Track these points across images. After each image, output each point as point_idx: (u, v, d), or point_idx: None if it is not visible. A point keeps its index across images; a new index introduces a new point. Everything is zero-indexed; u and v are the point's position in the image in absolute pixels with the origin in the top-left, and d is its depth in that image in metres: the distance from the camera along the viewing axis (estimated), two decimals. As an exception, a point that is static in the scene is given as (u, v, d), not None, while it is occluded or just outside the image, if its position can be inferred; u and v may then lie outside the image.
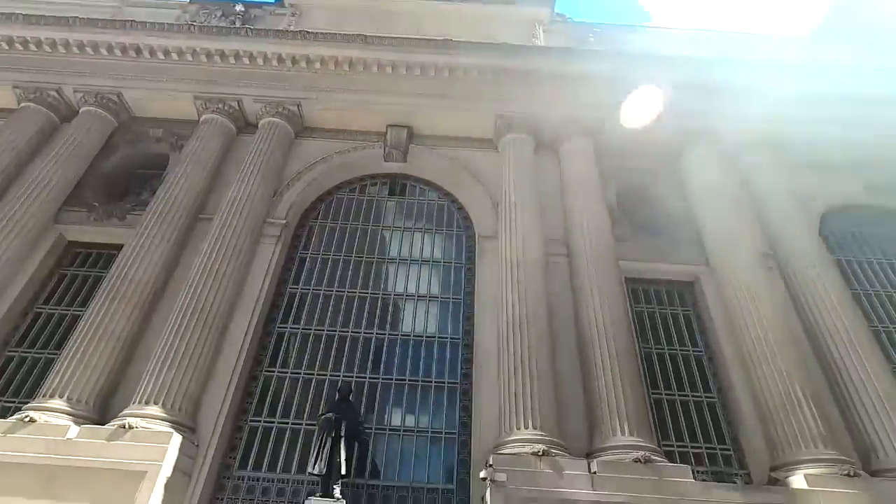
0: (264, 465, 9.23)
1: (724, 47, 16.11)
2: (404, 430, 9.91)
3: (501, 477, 7.66)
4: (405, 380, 10.52)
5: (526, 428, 8.56)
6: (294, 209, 12.73)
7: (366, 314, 11.46)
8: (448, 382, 10.55)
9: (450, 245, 12.89)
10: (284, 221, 12.17)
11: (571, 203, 12.44)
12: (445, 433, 9.88)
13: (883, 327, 11.95)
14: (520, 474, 7.83)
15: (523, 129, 13.75)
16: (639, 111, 13.87)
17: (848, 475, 8.28)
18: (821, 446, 8.72)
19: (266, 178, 12.60)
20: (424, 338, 11.21)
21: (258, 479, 9.01)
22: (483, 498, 7.88)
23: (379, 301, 11.72)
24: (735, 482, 9.08)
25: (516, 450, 8.22)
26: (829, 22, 24.28)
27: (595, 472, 8.05)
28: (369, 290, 11.84)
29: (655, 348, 11.35)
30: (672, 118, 13.83)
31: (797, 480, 8.39)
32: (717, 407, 10.50)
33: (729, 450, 9.97)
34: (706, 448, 10.01)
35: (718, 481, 8.82)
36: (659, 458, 8.42)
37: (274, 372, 10.43)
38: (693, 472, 8.42)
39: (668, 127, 13.88)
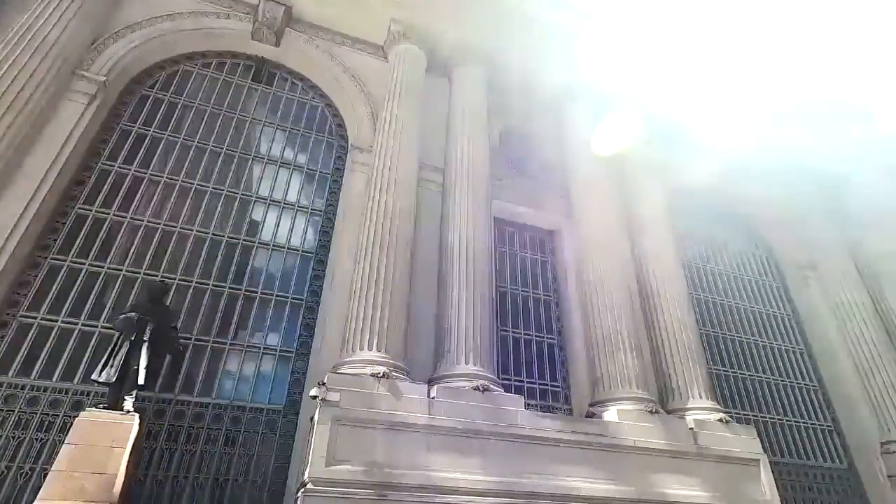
0: (35, 371, 7.35)
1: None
2: (231, 345, 8.68)
3: (334, 396, 7.02)
4: (240, 290, 9.17)
5: (370, 350, 7.98)
6: (119, 70, 10.03)
7: (202, 211, 9.67)
8: (293, 297, 9.47)
9: (317, 151, 11.44)
10: (104, 79, 9.51)
11: (455, 132, 11.78)
12: (281, 351, 8.90)
13: (697, 294, 13.77)
14: (355, 395, 7.26)
15: (418, 42, 12.55)
16: (534, 52, 13.59)
17: (650, 412, 9.32)
18: (634, 387, 9.67)
19: (87, 15, 9.66)
20: (272, 247, 9.87)
21: (22, 388, 7.14)
22: (312, 418, 7.19)
23: (222, 198, 9.97)
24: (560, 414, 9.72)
25: (356, 370, 7.62)
26: None
27: (433, 398, 7.84)
28: (210, 184, 9.98)
29: (511, 288, 11.56)
30: (562, 67, 13.81)
31: (610, 414, 9.21)
32: (555, 347, 11.12)
33: (559, 387, 10.67)
34: (539, 384, 10.58)
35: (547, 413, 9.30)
36: (496, 388, 8.53)
37: (65, 261, 8.28)
38: (525, 404, 8.69)
39: (558, 75, 13.85)
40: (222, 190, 10.06)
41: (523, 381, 10.40)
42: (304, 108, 11.89)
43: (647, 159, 14.07)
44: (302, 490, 6.47)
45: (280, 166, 10.88)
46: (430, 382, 8.35)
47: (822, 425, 13.51)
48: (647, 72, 15.06)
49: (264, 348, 8.80)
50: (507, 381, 10.06)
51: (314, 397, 6.97)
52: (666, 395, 10.52)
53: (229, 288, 9.11)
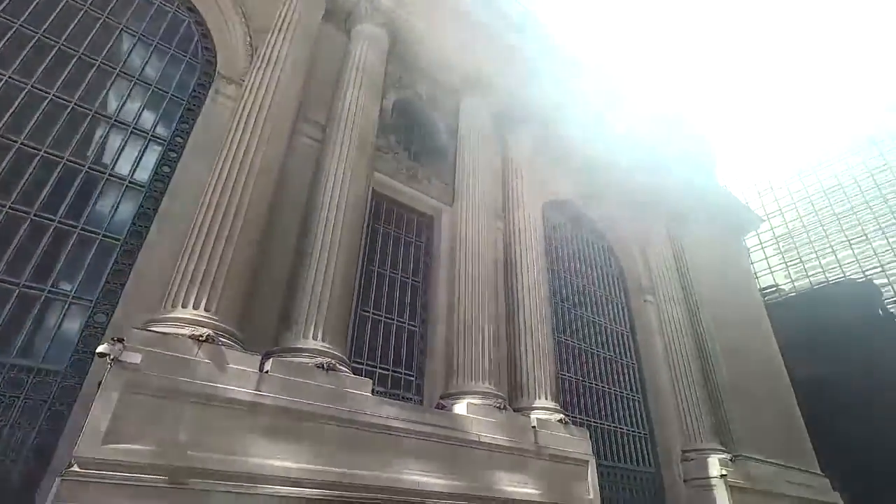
0: None
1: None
2: (22, 287, 6.60)
3: (133, 358, 5.56)
4: (29, 213, 7.07)
5: (196, 308, 6.60)
6: None
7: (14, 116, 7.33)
8: (106, 236, 7.58)
9: (173, 70, 9.49)
10: None
11: (345, 89, 10.71)
12: (73, 299, 7.00)
13: (555, 301, 14.36)
14: (164, 359, 5.87)
15: (320, -18, 11.25)
16: (445, 36, 13.14)
17: (499, 408, 9.22)
18: (487, 382, 9.53)
19: None
20: (86, 168, 7.83)
21: None
22: (101, 383, 5.63)
23: (44, 105, 7.68)
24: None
25: (171, 329, 6.20)
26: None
27: (267, 371, 6.72)
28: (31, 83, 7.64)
29: (380, 269, 10.78)
30: (470, 58, 13.58)
31: (460, 408, 8.90)
32: (416, 335, 10.59)
33: (413, 376, 10.14)
34: (394, 371, 9.94)
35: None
36: (344, 369, 7.68)
37: None
38: (374, 389, 7.96)
39: (464, 65, 13.58)
40: (47, 95, 7.77)
41: (376, 367, 9.67)
42: (165, 17, 9.83)
43: (532, 167, 14.39)
44: (62, 475, 4.94)
45: (120, 76, 8.78)
46: (268, 355, 7.20)
47: (640, 433, 14.94)
48: (548, 82, 15.51)
49: (50, 292, 6.84)
50: (359, 365, 9.28)
51: (103, 356, 5.43)
52: (515, 393, 10.60)
53: (33, 216, 6.98)
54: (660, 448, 14.78)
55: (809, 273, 42.62)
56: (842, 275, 40.70)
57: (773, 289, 42.69)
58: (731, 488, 13.33)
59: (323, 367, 7.15)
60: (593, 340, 15.39)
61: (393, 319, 10.41)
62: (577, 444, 10.14)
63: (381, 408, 7.64)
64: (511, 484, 8.68)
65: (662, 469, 14.50)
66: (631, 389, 15.61)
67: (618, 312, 16.86)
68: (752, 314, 22.83)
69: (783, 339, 24.57)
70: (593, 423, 13.69)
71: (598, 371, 14.92)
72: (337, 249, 8.36)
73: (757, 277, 36.19)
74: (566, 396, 13.29)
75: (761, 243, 44.58)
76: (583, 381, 14.21)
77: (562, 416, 10.33)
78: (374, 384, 9.10)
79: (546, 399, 10.53)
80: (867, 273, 39.72)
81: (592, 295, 16.24)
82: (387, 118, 12.11)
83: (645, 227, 18.35)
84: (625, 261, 17.87)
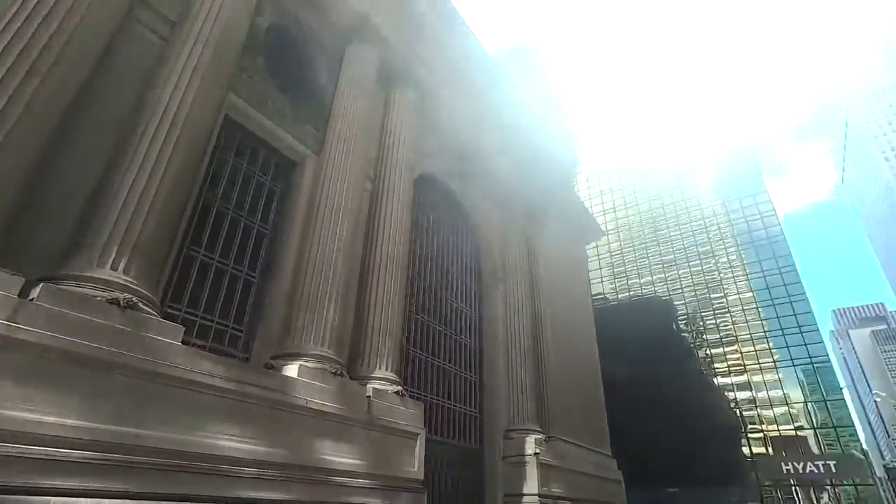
0: None
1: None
2: None
3: None
4: None
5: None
6: None
7: None
8: None
9: None
10: None
11: (210, -13, 8.94)
12: None
13: (414, 276, 14.14)
14: None
15: None
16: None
17: (334, 373, 8.57)
18: (326, 345, 8.82)
19: None
20: None
21: None
22: None
23: None
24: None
25: None
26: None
27: (33, 299, 5.16)
28: None
29: (223, 206, 9.32)
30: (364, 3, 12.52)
31: (291, 370, 8.06)
32: (254, 287, 9.40)
33: (242, 331, 8.98)
34: (220, 323, 8.68)
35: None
36: (150, 311, 6.33)
37: None
38: (192, 342, 6.75)
39: (356, 8, 12.46)
40: None
41: (198, 316, 8.32)
42: None
43: (409, 134, 13.85)
44: None
45: None
46: (43, 280, 5.57)
47: (472, 412, 15.57)
48: (439, 50, 15.11)
49: None
50: (175, 311, 7.88)
51: None
52: (356, 361, 10.06)
53: None
54: (486, 427, 15.58)
55: (630, 287, 49.79)
56: (652, 292, 48.29)
57: (601, 296, 48.84)
58: (542, 465, 14.59)
59: (118, 303, 5.75)
60: (443, 320, 15.57)
61: (228, 266, 9.07)
62: (411, 417, 9.98)
63: (193, 361, 6.46)
64: (336, 454, 8.13)
65: (486, 446, 15.30)
66: (470, 370, 16.18)
67: (470, 296, 17.35)
68: (583, 315, 25.55)
69: (602, 341, 28.05)
70: (431, 399, 13.83)
71: (443, 349, 15.13)
72: (165, 165, 6.85)
73: (591, 284, 40.74)
74: (409, 370, 13.17)
75: (598, 255, 50.77)
76: (427, 357, 14.26)
77: (399, 388, 10.07)
78: (192, 335, 7.91)
79: (386, 370, 10.19)
80: (671, 293, 47.74)
81: (449, 276, 16.42)
82: (259, 38, 10.52)
83: (506, 218, 19.15)
84: (484, 248, 18.43)
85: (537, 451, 14.57)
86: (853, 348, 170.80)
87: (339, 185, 10.42)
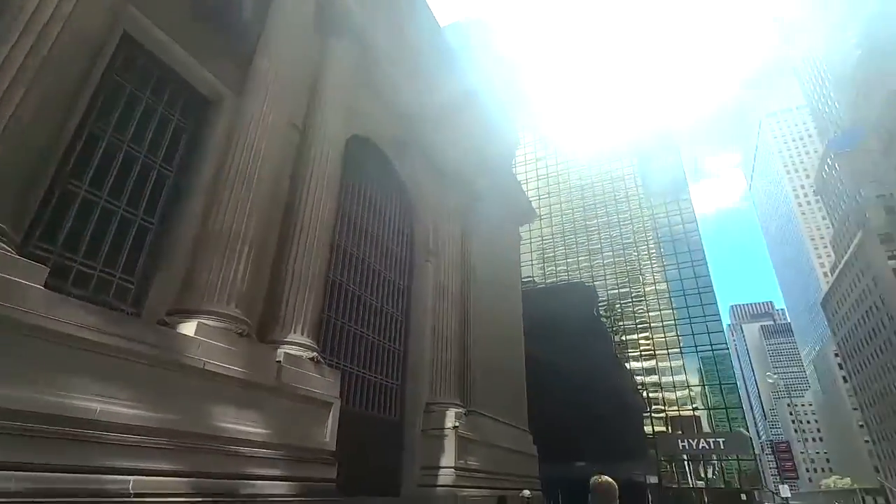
0: None
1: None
2: None
3: None
4: None
5: None
6: None
7: None
8: None
9: None
10: None
11: None
12: None
13: (343, 244, 13.34)
14: None
15: None
16: None
17: (239, 334, 7.76)
18: (233, 303, 7.95)
19: None
20: None
21: None
22: None
23: None
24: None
25: None
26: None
27: None
28: None
29: (115, 137, 8.03)
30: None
31: (188, 327, 7.16)
32: (151, 233, 8.27)
33: (132, 282, 7.88)
34: (104, 272, 7.54)
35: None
36: (5, 247, 5.23)
37: None
38: (49, 283, 5.67)
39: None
40: None
41: (76, 262, 7.15)
42: None
43: (346, 89, 12.90)
44: None
45: None
46: None
47: (394, 384, 15.19)
48: (386, 9, 14.15)
49: None
50: (44, 253, 6.69)
51: None
52: (269, 324, 9.24)
53: None
54: (408, 399, 15.28)
55: (557, 272, 51.72)
56: (578, 277, 50.51)
57: (530, 279, 50.28)
58: (461, 438, 14.56)
59: (-45, 230, 4.65)
60: (370, 289, 14.94)
61: (118, 207, 7.88)
62: (326, 385, 9.37)
63: (59, 308, 5.45)
64: (238, 422, 7.39)
65: (406, 419, 15.02)
66: (395, 342, 15.74)
67: (400, 266, 16.81)
68: (511, 296, 25.90)
69: (527, 321, 28.70)
70: (351, 369, 13.26)
71: (368, 319, 14.54)
72: (31, 78, 5.65)
73: (521, 266, 41.51)
74: (329, 338, 12.48)
75: (530, 239, 52.10)
76: (350, 325, 13.62)
77: (315, 354, 9.41)
78: (68, 282, 6.78)
79: (303, 335, 9.46)
80: (595, 279, 50.17)
81: (379, 244, 15.76)
82: (173, -47, 9.10)
83: (443, 193, 18.71)
84: (418, 219, 17.90)
85: (457, 424, 14.51)
86: (745, 340, 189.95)
87: (261, 130, 9.37)
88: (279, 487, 7.84)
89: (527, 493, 12.65)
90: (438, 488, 13.77)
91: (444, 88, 17.91)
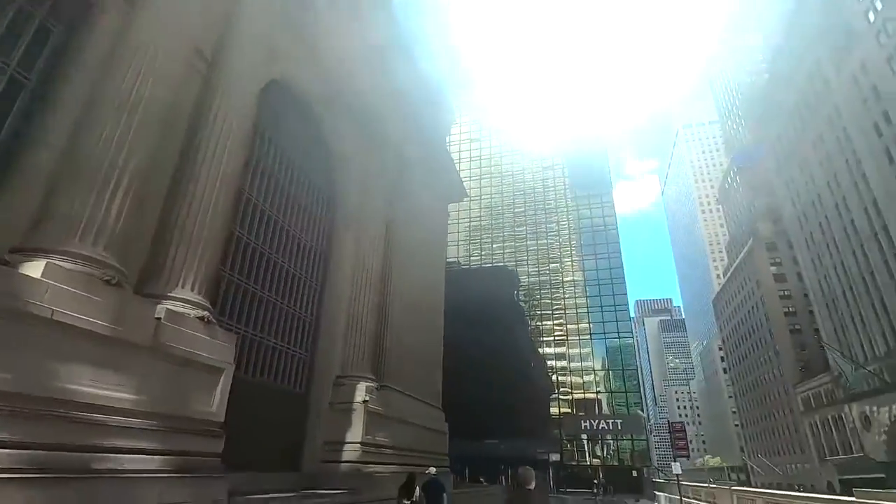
0: None
1: None
2: None
3: None
4: None
5: None
6: None
7: None
8: None
9: None
10: None
11: None
12: None
13: (255, 199, 12.00)
14: None
15: None
16: None
17: (106, 282, 6.48)
18: (99, 243, 6.62)
19: None
20: None
21: None
22: None
23: None
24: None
25: None
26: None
27: None
28: None
29: (-55, 24, 6.30)
30: None
31: (32, 268, 5.81)
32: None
33: (-38, 210, 6.30)
34: (-82, 191, 5.92)
35: None
36: None
37: None
38: None
39: None
40: None
41: None
42: None
43: (265, 25, 11.39)
44: None
45: None
46: None
47: (302, 354, 14.19)
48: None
49: None
50: None
51: None
52: (151, 274, 7.96)
53: None
54: (316, 371, 14.36)
55: (482, 254, 52.37)
56: (501, 261, 51.50)
57: (455, 259, 50.44)
58: (370, 413, 13.93)
59: None
60: (283, 251, 13.72)
61: (-52, 112, 6.22)
62: (217, 349, 8.27)
63: None
64: (97, 384, 6.18)
65: (312, 392, 14.11)
66: (307, 310, 14.67)
67: (318, 230, 15.66)
68: (434, 274, 25.47)
69: (449, 301, 28.56)
70: (254, 336, 12.10)
71: (278, 283, 13.35)
72: None
73: (448, 246, 41.35)
74: (230, 299, 11.24)
75: (458, 219, 52.16)
76: (257, 288, 12.41)
77: (206, 314, 8.25)
78: None
79: (192, 291, 8.26)
80: (518, 264, 51.44)
81: (295, 204, 14.50)
82: None
83: (372, 158, 17.66)
84: (341, 183, 16.77)
85: (367, 398, 13.86)
86: (645, 332, 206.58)
87: (155, 46, 7.90)
88: (149, 462, 6.75)
89: (432, 469, 12.33)
90: (343, 464, 13.10)
91: (385, 47, 16.77)
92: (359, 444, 13.34)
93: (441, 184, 25.51)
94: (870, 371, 39.20)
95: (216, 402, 8.14)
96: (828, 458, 45.64)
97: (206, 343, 8.05)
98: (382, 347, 16.60)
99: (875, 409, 38.57)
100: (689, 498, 16.50)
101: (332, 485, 11.95)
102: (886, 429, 37.20)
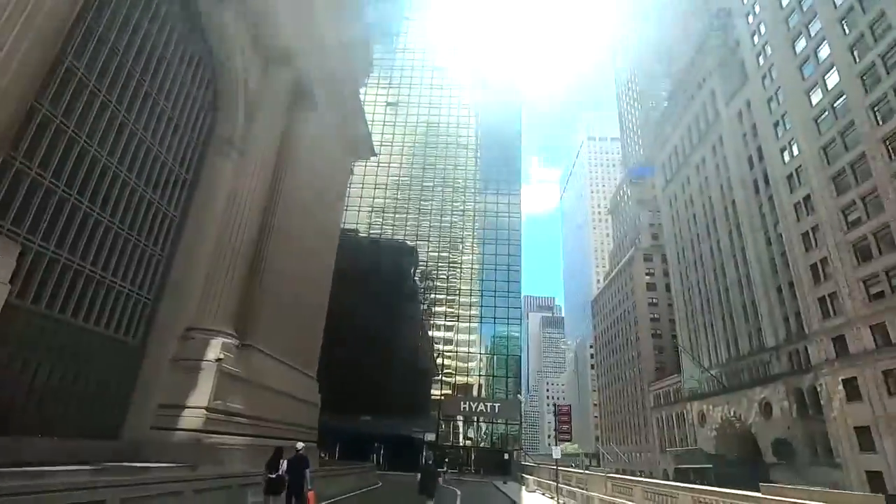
0: None
1: None
2: None
3: None
4: None
5: None
6: None
7: None
8: None
9: None
10: None
11: None
12: None
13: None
14: None
15: None
16: None
17: None
18: None
19: None
20: None
21: None
22: None
23: None
24: None
25: None
26: None
27: None
28: None
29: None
30: None
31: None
32: None
33: None
34: None
35: None
36: None
37: None
38: None
39: None
40: None
41: None
42: None
43: None
44: None
45: None
46: None
47: (143, 296, 11.44)
48: None
49: None
50: None
51: None
52: None
53: None
54: (159, 319, 11.68)
55: (383, 226, 50.47)
56: (402, 237, 50.01)
57: (354, 226, 47.85)
58: (224, 374, 11.60)
59: None
60: (131, 164, 10.79)
61: None
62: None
63: None
64: None
65: (151, 343, 11.43)
66: (157, 244, 11.85)
67: (187, 151, 12.77)
68: (327, 231, 23.08)
69: (342, 269, 26.36)
70: (72, 263, 9.25)
71: (118, 202, 10.46)
72: None
73: (346, 211, 38.74)
74: (32, 205, 8.31)
75: (363, 185, 49.46)
76: (84, 203, 9.49)
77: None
78: None
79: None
80: (418, 241, 50.34)
81: (156, 109, 11.55)
82: None
83: (266, 76, 14.92)
84: (224, 96, 13.89)
85: (221, 356, 11.54)
86: (528, 326, 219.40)
87: None
88: None
89: (300, 445, 10.42)
90: (179, 432, 10.73)
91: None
92: (203, 410, 11.02)
93: (346, 135, 23.15)
94: (712, 375, 44.26)
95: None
96: (668, 448, 51.13)
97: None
98: (252, 301, 14.16)
99: (711, 408, 43.69)
100: (559, 483, 16.61)
101: (162, 457, 9.60)
102: (717, 426, 42.30)
